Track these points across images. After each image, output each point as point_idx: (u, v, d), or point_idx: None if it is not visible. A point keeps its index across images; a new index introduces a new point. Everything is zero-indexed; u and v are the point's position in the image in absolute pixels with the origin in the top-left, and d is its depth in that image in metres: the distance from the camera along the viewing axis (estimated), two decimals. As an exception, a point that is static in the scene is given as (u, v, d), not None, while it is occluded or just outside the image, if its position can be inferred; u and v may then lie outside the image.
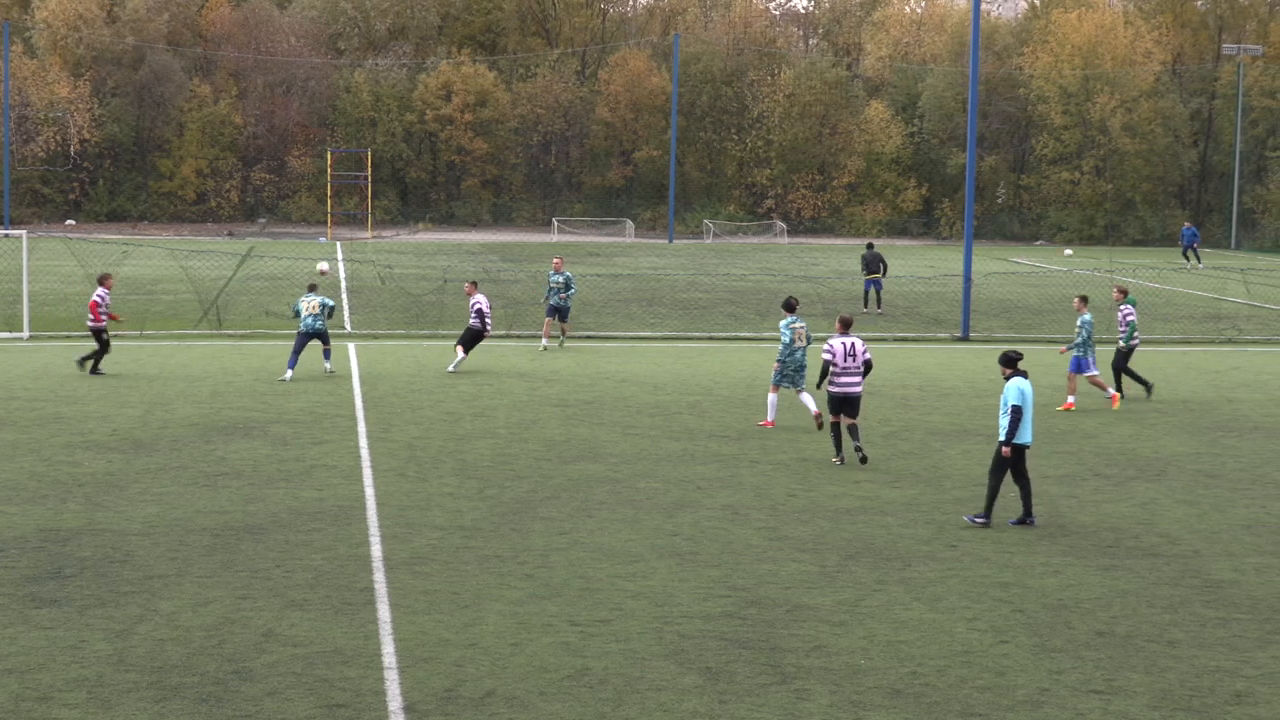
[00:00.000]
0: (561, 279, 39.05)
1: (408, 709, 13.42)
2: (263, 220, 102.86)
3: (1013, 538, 19.89)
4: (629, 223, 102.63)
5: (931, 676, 14.54)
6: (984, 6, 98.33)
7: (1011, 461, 20.33)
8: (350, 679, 14.11)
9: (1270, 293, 58.86)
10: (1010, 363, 20.53)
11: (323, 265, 38.04)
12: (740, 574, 17.89)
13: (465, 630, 15.57)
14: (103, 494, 21.46)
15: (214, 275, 52.44)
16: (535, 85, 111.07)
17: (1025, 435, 20.28)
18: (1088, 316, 30.75)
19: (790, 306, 27.72)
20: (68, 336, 39.41)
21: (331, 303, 33.79)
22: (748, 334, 43.35)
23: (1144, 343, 42.74)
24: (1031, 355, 39.00)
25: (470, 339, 34.68)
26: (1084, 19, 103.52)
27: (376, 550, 18.63)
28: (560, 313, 39.37)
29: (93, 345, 33.81)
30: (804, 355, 26.94)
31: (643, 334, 42.85)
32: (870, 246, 52.35)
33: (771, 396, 27.75)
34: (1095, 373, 30.86)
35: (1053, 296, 54.87)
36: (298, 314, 33.53)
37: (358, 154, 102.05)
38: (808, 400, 26.90)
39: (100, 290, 33.74)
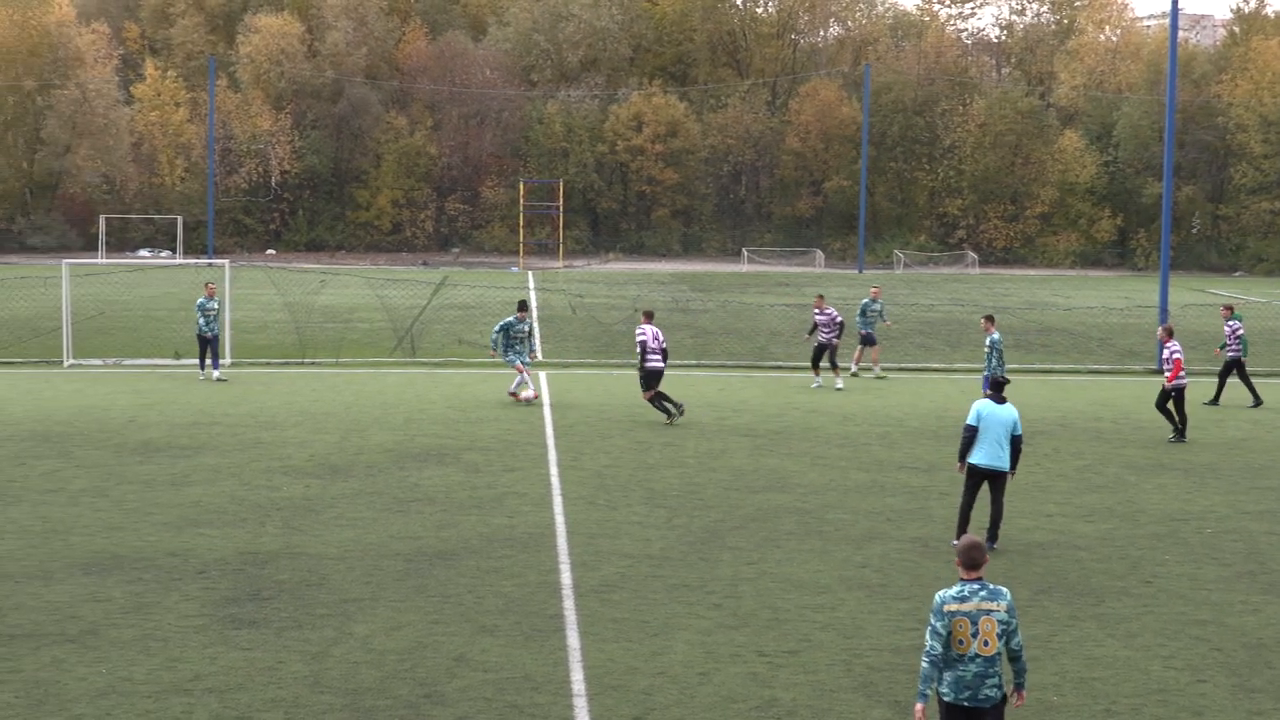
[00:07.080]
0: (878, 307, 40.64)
1: (596, 736, 13.49)
2: (456, 250, 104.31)
3: (1209, 574, 19.48)
4: (819, 253, 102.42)
5: (1126, 715, 14.29)
6: (1181, 34, 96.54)
7: (974, 482, 20.31)
8: (539, 705, 14.22)
9: None
10: (993, 387, 20.63)
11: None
12: (930, 607, 17.70)
13: (653, 659, 15.62)
14: (300, 518, 21.87)
15: (408, 304, 53.22)
16: (725, 115, 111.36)
17: (979, 456, 20.14)
18: (996, 336, 33.59)
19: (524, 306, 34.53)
20: (268, 363, 40.25)
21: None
22: (938, 365, 42.94)
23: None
24: (1229, 389, 38.35)
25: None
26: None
27: (566, 577, 18.75)
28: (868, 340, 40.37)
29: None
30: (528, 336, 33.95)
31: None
32: None
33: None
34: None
35: (1253, 329, 53.67)
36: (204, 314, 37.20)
37: (550, 184, 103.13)
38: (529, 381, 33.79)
39: (1173, 345, 30.45)
